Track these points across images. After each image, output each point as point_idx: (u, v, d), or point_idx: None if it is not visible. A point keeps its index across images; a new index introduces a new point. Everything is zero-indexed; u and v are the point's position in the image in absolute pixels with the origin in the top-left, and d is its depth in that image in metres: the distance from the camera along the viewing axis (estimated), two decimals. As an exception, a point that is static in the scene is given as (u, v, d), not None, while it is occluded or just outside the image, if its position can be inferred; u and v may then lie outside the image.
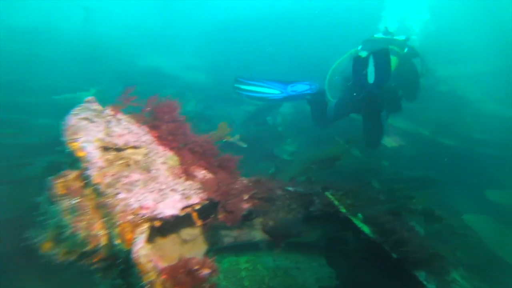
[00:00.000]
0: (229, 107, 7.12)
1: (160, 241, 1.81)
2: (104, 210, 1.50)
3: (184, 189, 1.78)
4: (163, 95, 2.45)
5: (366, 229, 2.09)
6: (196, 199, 1.73)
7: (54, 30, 10.35)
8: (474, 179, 6.12)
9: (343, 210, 2.18)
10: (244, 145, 2.60)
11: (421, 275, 1.97)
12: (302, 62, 10.30)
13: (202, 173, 2.01)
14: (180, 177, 1.87)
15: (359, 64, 4.07)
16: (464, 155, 6.31)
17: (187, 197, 1.71)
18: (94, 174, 1.56)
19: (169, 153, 2.04)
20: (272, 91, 4.85)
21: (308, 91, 4.84)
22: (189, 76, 9.15)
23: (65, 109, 1.99)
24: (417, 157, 6.99)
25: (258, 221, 2.35)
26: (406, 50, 4.97)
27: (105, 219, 1.49)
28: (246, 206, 2.00)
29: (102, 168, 1.61)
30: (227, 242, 2.37)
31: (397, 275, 2.26)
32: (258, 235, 2.39)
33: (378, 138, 5.26)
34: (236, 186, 1.96)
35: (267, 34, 12.23)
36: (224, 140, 3.17)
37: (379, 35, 5.30)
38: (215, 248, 2.29)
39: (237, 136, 3.22)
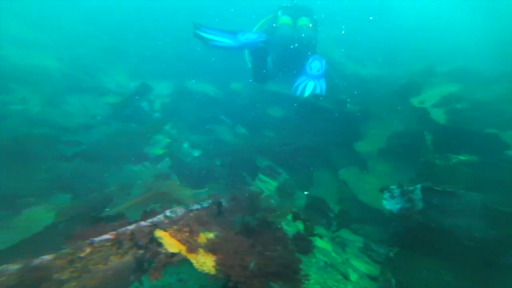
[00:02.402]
0: (86, 100, 5.66)
1: None
2: None
3: None
4: None
5: (206, 267, 1.81)
6: None
7: None
8: (346, 135, 6.90)
9: (175, 252, 1.81)
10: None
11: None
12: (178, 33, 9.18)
13: None
14: None
15: None
16: (338, 115, 6.99)
17: None
18: None
19: None
20: (226, 40, 5.37)
21: (260, 39, 5.52)
22: (19, 57, 6.26)
23: None
24: (302, 124, 7.46)
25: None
26: (315, 17, 6.05)
27: None
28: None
29: None
30: None
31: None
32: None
33: None
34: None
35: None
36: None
37: (289, 3, 5.95)
38: None
39: None
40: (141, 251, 1.87)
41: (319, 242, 3.61)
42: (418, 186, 3.10)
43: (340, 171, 6.03)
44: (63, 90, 5.65)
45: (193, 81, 7.56)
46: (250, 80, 6.88)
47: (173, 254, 1.82)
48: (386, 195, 3.25)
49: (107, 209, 2.42)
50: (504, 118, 4.87)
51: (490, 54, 8.22)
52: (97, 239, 1.74)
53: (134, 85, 7.17)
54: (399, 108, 6.72)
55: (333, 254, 3.48)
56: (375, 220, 5.12)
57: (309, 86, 5.69)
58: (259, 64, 6.16)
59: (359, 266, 3.57)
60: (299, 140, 6.85)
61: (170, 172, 4.73)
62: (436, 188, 3.00)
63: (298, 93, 5.69)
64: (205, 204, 3.05)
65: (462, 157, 4.10)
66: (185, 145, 6.12)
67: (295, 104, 7.27)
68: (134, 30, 9.29)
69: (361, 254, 3.94)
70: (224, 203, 3.11)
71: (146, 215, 2.17)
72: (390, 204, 3.17)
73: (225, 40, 5.38)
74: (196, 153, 6.02)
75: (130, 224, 1.99)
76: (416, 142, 5.32)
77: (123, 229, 1.90)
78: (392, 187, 3.38)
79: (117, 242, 1.89)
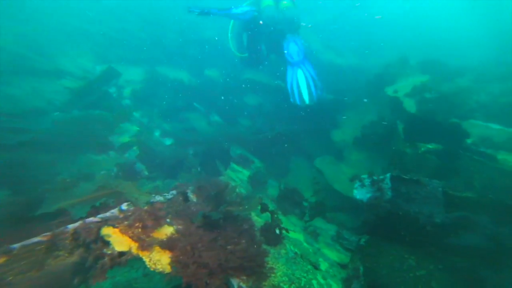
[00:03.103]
0: (39, 83, 5.08)
1: None
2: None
3: None
4: None
5: (160, 265, 1.64)
6: None
7: None
8: (322, 124, 6.89)
9: (124, 250, 1.63)
10: None
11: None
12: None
13: None
14: None
15: None
16: (314, 103, 6.92)
17: None
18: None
19: None
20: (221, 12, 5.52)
21: (254, 8, 5.61)
22: None
23: None
24: (278, 112, 7.33)
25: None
26: None
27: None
28: None
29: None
30: None
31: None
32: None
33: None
34: None
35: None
36: None
37: None
38: None
39: None
40: (85, 251, 1.66)
41: (291, 233, 3.55)
42: (388, 175, 3.08)
43: (316, 160, 6.02)
44: (8, 70, 4.78)
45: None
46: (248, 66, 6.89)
47: (121, 254, 1.64)
48: (357, 184, 3.23)
49: (49, 206, 2.14)
50: (465, 109, 5.05)
51: (466, 48, 8.48)
52: (17, 245, 1.51)
53: (100, 69, 6.65)
54: (374, 97, 6.77)
55: (305, 244, 3.45)
56: (349, 209, 5.17)
57: (301, 82, 5.65)
58: (254, 44, 6.16)
59: (330, 255, 3.57)
60: (274, 128, 6.74)
61: (138, 161, 4.44)
62: (403, 176, 3.00)
63: (298, 102, 5.69)
64: (169, 196, 2.86)
65: (430, 146, 4.17)
66: (157, 133, 5.81)
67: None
68: (100, 10, 8.56)
69: (333, 242, 3.94)
70: (189, 194, 2.93)
71: (96, 210, 1.95)
72: (360, 193, 3.15)
73: (220, 13, 5.56)
74: (168, 141, 5.74)
75: (74, 221, 1.77)
76: (389, 131, 5.39)
77: (62, 228, 1.67)
78: (362, 176, 3.36)
79: (52, 244, 1.66)
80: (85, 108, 5.00)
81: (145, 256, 1.68)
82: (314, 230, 4.04)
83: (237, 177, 4.26)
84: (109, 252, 1.60)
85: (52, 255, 1.59)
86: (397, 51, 8.50)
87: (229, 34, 6.54)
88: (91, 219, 1.81)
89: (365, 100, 6.73)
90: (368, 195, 3.14)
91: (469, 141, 3.94)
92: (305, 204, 4.64)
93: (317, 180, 5.93)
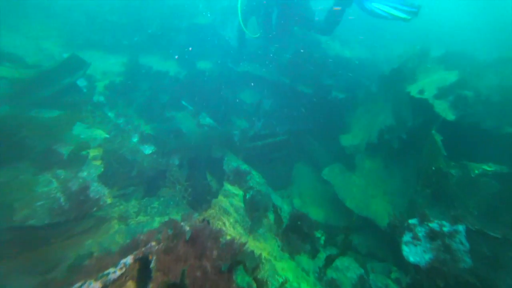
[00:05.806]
0: None
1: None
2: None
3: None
4: None
5: None
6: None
7: None
8: (330, 126, 5.77)
9: None
10: None
11: None
12: None
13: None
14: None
15: None
16: (320, 102, 5.77)
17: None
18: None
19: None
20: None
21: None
22: None
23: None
24: (279, 111, 6.14)
25: None
26: None
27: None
28: None
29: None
30: None
31: None
32: None
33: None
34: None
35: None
36: None
37: None
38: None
39: None
40: None
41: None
42: (461, 228, 1.91)
43: (323, 170, 4.87)
44: None
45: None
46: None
47: None
48: (407, 237, 2.05)
49: None
50: (520, 114, 3.88)
51: (482, 39, 7.26)
52: None
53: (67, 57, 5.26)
54: (392, 96, 5.59)
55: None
56: (365, 231, 4.10)
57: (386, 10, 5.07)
58: (268, 19, 5.54)
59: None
60: (275, 131, 5.55)
61: (98, 182, 3.21)
62: (489, 233, 1.83)
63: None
64: (115, 274, 1.65)
65: (487, 168, 3.01)
66: (135, 139, 4.54)
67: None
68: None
69: (358, 296, 2.84)
70: (153, 264, 1.73)
71: None
72: (415, 254, 1.98)
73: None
74: (148, 150, 4.49)
75: None
76: (416, 139, 4.24)
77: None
78: (411, 222, 2.18)
79: None
80: (33, 106, 3.70)
81: None
82: (332, 279, 2.92)
83: (231, 204, 3.07)
84: None
85: None
86: (407, 43, 7.26)
87: (239, 11, 5.28)
88: None
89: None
90: (428, 256, 1.97)
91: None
92: (318, 235, 3.51)
93: (326, 197, 4.85)
